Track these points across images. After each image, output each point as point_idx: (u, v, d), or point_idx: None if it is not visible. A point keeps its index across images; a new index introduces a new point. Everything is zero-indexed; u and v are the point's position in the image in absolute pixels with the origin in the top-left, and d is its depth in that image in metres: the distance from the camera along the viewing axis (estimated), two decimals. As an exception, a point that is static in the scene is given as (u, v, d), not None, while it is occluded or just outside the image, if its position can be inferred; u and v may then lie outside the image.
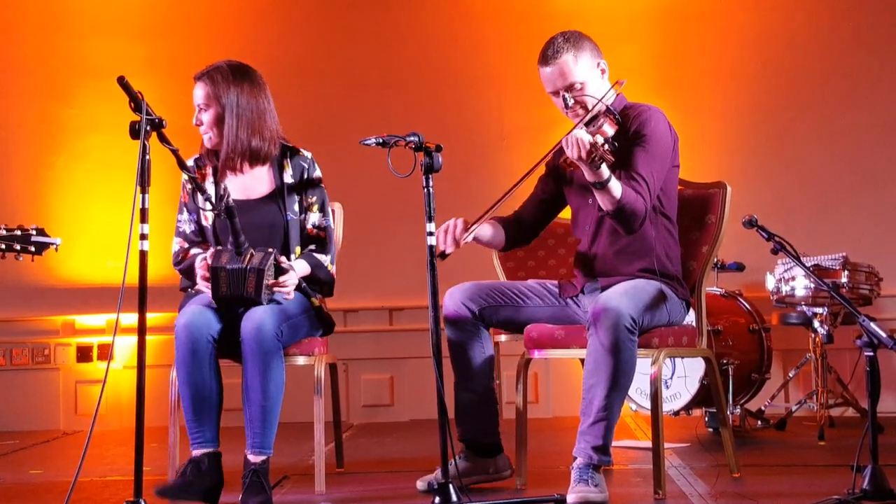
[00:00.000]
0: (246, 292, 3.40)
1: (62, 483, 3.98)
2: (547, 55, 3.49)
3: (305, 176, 3.69)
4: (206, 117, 3.59)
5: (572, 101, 3.43)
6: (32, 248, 3.50)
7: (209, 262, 3.44)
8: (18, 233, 3.50)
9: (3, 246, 3.49)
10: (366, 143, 3.28)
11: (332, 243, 3.72)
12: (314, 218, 3.69)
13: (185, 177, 3.61)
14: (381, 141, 3.25)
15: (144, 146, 2.95)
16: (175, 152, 3.13)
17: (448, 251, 3.42)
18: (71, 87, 6.17)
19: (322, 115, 5.99)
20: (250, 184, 3.67)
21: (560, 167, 3.56)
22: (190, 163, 3.68)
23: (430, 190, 3.19)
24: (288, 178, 3.68)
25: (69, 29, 6.19)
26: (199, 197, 3.64)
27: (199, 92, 3.60)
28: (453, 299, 3.58)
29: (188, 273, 3.60)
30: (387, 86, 6.11)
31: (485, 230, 3.59)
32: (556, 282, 3.73)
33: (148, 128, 2.97)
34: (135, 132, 2.97)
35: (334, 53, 6.12)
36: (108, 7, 6.20)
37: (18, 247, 3.50)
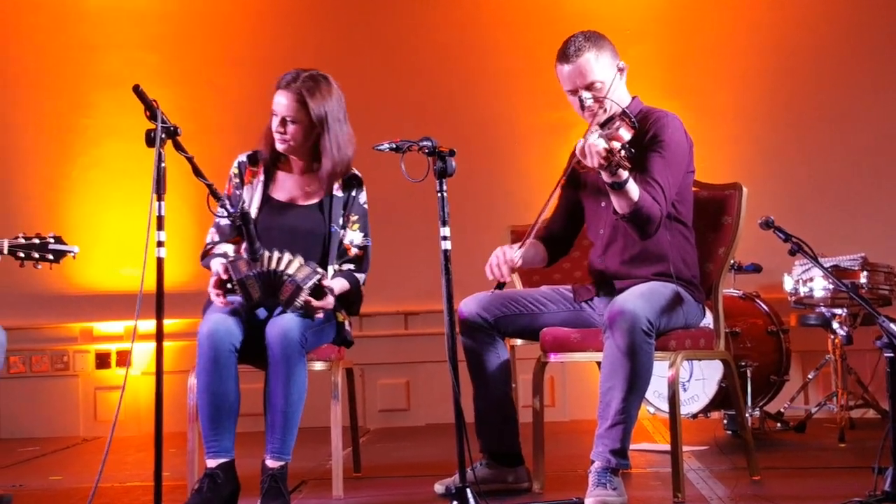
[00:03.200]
0: (279, 298, 3.42)
1: (83, 489, 3.99)
2: (567, 53, 3.47)
3: (353, 193, 3.71)
4: (293, 129, 3.59)
5: (591, 100, 3.42)
6: (50, 256, 3.53)
7: (230, 275, 3.43)
8: (37, 241, 3.53)
9: (22, 254, 3.52)
10: (379, 148, 3.28)
11: (368, 264, 3.74)
12: (354, 236, 3.71)
13: (233, 169, 3.68)
14: (394, 146, 3.25)
15: (160, 154, 2.97)
16: (190, 160, 3.14)
17: (506, 280, 3.44)
18: (87, 96, 6.20)
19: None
20: (301, 188, 3.69)
21: (575, 170, 3.56)
22: (241, 158, 3.73)
23: (444, 194, 3.20)
24: (338, 191, 3.70)
25: (85, 39, 6.22)
26: (241, 193, 3.67)
27: (286, 101, 3.58)
28: (468, 309, 3.58)
29: (209, 269, 3.62)
30: (399, 91, 6.12)
31: (528, 252, 3.58)
32: (569, 287, 3.72)
33: (163, 136, 2.99)
34: (150, 140, 2.98)
35: (347, 59, 6.13)
36: (123, 17, 6.23)
37: (37, 255, 3.52)
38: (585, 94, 3.42)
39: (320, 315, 3.49)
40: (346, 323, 3.72)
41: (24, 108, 6.23)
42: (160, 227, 2.95)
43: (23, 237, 3.53)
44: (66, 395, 6.09)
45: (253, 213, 3.63)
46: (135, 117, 3.09)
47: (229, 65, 6.15)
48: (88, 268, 6.02)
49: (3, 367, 3.64)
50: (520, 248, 3.48)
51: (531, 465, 3.62)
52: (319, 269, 3.49)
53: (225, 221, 3.68)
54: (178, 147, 3.08)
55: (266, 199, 3.69)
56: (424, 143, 3.20)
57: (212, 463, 3.38)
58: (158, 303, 2.93)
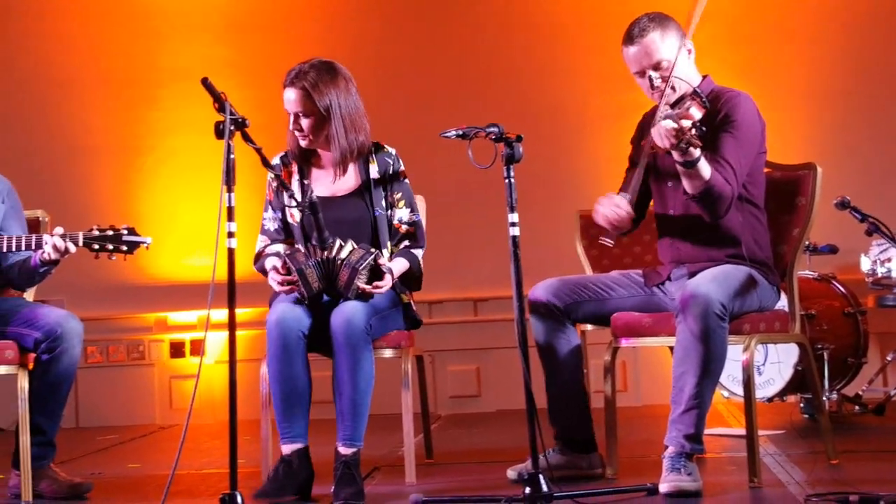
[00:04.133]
0: (337, 285, 3.44)
1: (160, 476, 4.06)
2: (632, 34, 3.44)
3: (390, 171, 3.71)
4: (307, 123, 3.60)
5: (659, 80, 3.38)
6: (124, 248, 3.58)
7: (287, 268, 3.46)
8: (110, 233, 3.58)
9: (97, 246, 3.57)
10: (446, 135, 3.27)
11: (423, 238, 3.73)
12: (402, 214, 3.71)
13: (270, 175, 3.65)
14: (461, 133, 3.24)
15: (229, 146, 2.99)
16: (259, 151, 3.17)
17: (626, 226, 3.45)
18: (156, 89, 6.28)
19: (402, 108, 6.00)
20: (336, 180, 3.70)
21: (643, 151, 3.51)
22: (276, 161, 3.73)
23: (512, 180, 3.18)
24: (374, 173, 3.70)
25: (153, 32, 6.30)
26: (284, 194, 3.68)
27: (294, 97, 3.59)
28: (538, 295, 3.55)
29: (264, 273, 3.64)
30: (466, 77, 6.11)
31: (627, 211, 3.52)
32: (640, 271, 3.68)
33: (232, 127, 3.01)
34: (219, 132, 3.01)
35: (412, 48, 6.13)
36: (191, 9, 6.30)
37: (111, 246, 3.58)
38: (653, 74, 3.38)
39: (380, 292, 3.48)
40: (412, 303, 3.72)
41: (96, 104, 6.33)
42: (230, 217, 2.98)
43: (97, 229, 3.59)
44: (142, 384, 6.20)
45: (296, 213, 3.65)
46: (204, 109, 3.12)
47: (295, 55, 6.12)
48: (161, 259, 6.11)
49: (81, 357, 3.71)
50: (623, 194, 3.43)
51: (604, 450, 3.60)
52: (372, 249, 3.49)
53: (273, 225, 3.70)
54: (247, 138, 3.10)
55: (311, 192, 3.69)
56: (491, 129, 3.18)
57: (286, 449, 3.41)
58: (230, 292, 2.96)
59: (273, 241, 3.71)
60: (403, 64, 6.11)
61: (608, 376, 3.57)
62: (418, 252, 3.70)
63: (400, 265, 3.62)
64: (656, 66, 3.42)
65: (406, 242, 3.70)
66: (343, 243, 3.47)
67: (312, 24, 6.23)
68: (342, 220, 3.61)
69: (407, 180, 3.75)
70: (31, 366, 3.62)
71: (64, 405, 3.70)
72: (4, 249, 3.57)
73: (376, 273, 3.48)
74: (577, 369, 3.59)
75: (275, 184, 3.70)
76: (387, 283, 3.50)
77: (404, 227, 3.71)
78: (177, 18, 6.29)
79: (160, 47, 6.28)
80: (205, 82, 3.02)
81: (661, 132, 3.15)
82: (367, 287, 3.45)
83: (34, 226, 3.95)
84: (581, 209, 4.71)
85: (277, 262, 3.51)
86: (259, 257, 3.71)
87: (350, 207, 3.67)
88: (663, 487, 3.15)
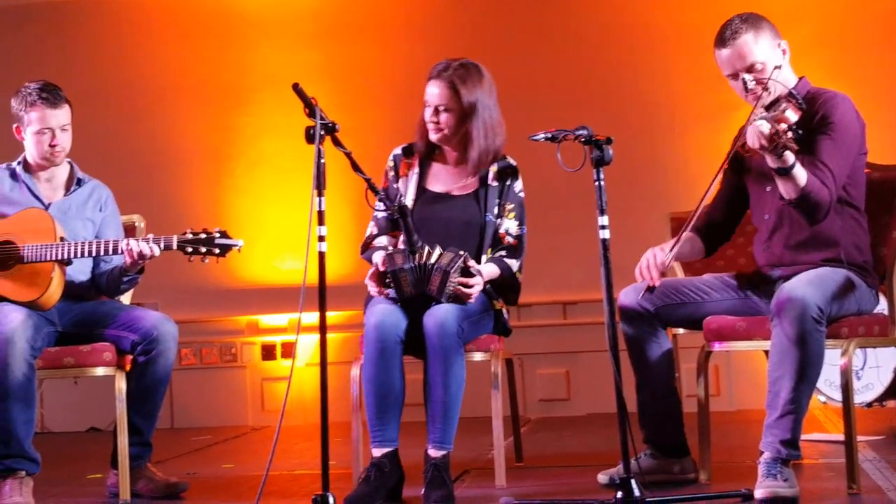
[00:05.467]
0: (428, 290, 3.45)
1: (253, 477, 4.12)
2: (725, 37, 3.39)
3: (508, 182, 3.72)
4: (446, 118, 3.63)
5: (753, 82, 3.31)
6: (217, 250, 3.64)
7: (385, 267, 3.48)
8: (203, 236, 3.65)
9: (190, 249, 3.64)
10: (535, 138, 3.26)
11: (523, 252, 3.73)
12: (510, 225, 3.71)
13: (389, 163, 3.74)
14: (549, 136, 3.22)
15: (319, 150, 3.02)
16: (349, 155, 3.19)
17: (657, 284, 3.38)
18: (247, 94, 6.38)
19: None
20: (456, 178, 3.72)
21: (739, 154, 3.45)
22: (396, 151, 3.79)
23: (602, 183, 3.15)
24: (492, 180, 3.71)
25: (244, 38, 6.40)
26: (397, 186, 3.72)
27: (438, 91, 3.62)
28: (629, 299, 3.51)
29: (369, 262, 3.67)
30: (555, 79, 6.08)
31: (683, 248, 3.49)
32: (733, 274, 3.62)
33: (322, 132, 3.04)
34: (310, 137, 3.04)
35: (501, 50, 6.11)
36: (281, 15, 6.39)
37: (204, 249, 3.64)
38: (747, 77, 3.32)
39: (472, 296, 3.48)
40: (504, 311, 3.71)
41: (188, 110, 6.45)
42: (321, 221, 3.01)
43: (190, 232, 3.65)
44: (235, 386, 6.30)
45: (409, 204, 3.67)
46: (294, 114, 3.16)
47: (385, 59, 6.22)
48: (252, 262, 6.20)
49: (176, 359, 3.78)
50: (672, 248, 3.39)
51: (696, 455, 3.54)
52: (461, 252, 3.49)
53: (383, 215, 3.73)
54: (337, 143, 3.13)
55: (421, 190, 3.73)
56: (580, 131, 3.16)
57: (377, 452, 3.43)
58: (321, 295, 2.99)
59: (381, 231, 3.74)
60: (492, 67, 6.07)
61: (700, 380, 3.51)
62: (513, 263, 3.68)
63: (490, 270, 3.62)
64: (749, 69, 3.36)
65: (503, 252, 3.69)
66: (432, 249, 3.48)
67: (402, 29, 6.26)
68: (453, 220, 3.64)
69: (522, 194, 3.74)
70: (128, 367, 3.71)
71: (160, 406, 3.78)
72: (85, 254, 3.65)
73: (466, 275, 3.49)
74: (668, 373, 3.54)
75: (391, 174, 3.74)
76: (477, 282, 3.50)
77: (508, 239, 3.70)
78: (268, 25, 6.38)
79: (251, 54, 6.38)
80: (295, 88, 3.06)
81: (755, 133, 3.09)
82: (461, 288, 3.45)
83: (130, 231, 4.04)
84: (672, 211, 4.65)
85: (380, 259, 3.54)
86: (367, 246, 3.74)
87: (463, 208, 3.69)
88: (758, 493, 3.09)
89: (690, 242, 3.57)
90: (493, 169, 3.72)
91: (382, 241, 3.72)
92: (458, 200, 3.71)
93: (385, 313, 3.46)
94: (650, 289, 3.38)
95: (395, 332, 3.44)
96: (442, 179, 3.74)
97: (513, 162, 3.76)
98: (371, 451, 3.45)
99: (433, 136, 3.67)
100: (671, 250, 3.39)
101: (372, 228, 3.77)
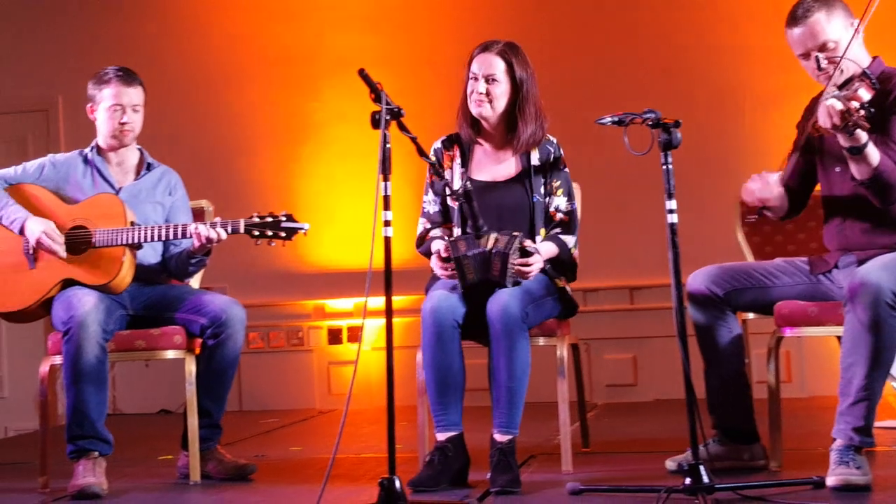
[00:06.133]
0: (491, 275, 3.44)
1: (320, 459, 4.15)
2: (797, 15, 3.33)
3: (551, 159, 3.70)
4: (495, 88, 3.61)
5: (825, 61, 3.25)
6: (283, 234, 3.67)
7: (449, 253, 3.48)
8: (270, 219, 3.68)
9: (257, 232, 3.67)
10: (602, 122, 3.24)
11: (576, 227, 3.70)
12: (559, 202, 3.69)
13: (430, 157, 3.68)
14: (616, 119, 3.20)
15: (385, 135, 3.03)
16: (414, 140, 3.19)
17: (772, 201, 3.41)
18: (314, 80, 6.42)
19: (558, 94, 5.91)
20: (498, 164, 3.70)
21: (811, 135, 3.39)
22: (437, 144, 3.77)
23: (669, 167, 3.11)
24: (535, 160, 3.69)
25: (311, 23, 6.44)
26: (440, 183, 3.70)
27: (491, 61, 3.61)
28: (697, 282, 3.47)
29: (427, 256, 3.67)
30: (623, 62, 6.02)
31: (774, 192, 3.44)
32: (805, 258, 3.56)
33: (388, 117, 3.04)
34: (375, 122, 3.05)
35: (567, 32, 6.08)
36: (349, 1, 6.40)
37: (270, 233, 3.67)
38: (819, 56, 3.25)
39: (531, 273, 3.47)
40: (568, 288, 3.69)
41: (256, 97, 6.51)
42: (387, 206, 3.01)
43: (257, 216, 3.69)
44: (302, 370, 6.36)
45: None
46: (360, 100, 3.17)
47: (451, 44, 6.19)
48: (319, 247, 6.25)
49: (244, 343, 3.82)
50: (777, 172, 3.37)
51: (767, 442, 3.49)
52: (515, 233, 3.47)
53: (434, 209, 3.72)
54: (402, 128, 3.13)
55: (467, 181, 3.70)
56: (648, 115, 3.13)
57: (441, 436, 3.44)
58: (387, 280, 3.00)
59: (433, 225, 3.74)
60: (558, 51, 6.06)
61: (771, 366, 3.46)
62: (569, 239, 3.67)
63: (547, 248, 3.60)
64: (822, 48, 3.30)
65: (557, 230, 3.67)
66: (498, 236, 3.46)
67: (468, 14, 6.24)
68: (502, 206, 3.62)
69: (567, 169, 3.73)
70: (197, 351, 3.76)
71: (229, 389, 3.82)
72: (154, 238, 3.70)
73: (524, 255, 3.48)
74: (738, 358, 3.49)
75: (430, 171, 3.72)
76: (536, 260, 3.48)
77: (559, 216, 3.68)
78: (334, 10, 6.41)
79: (318, 39, 6.41)
80: (361, 73, 3.06)
81: (827, 112, 3.03)
82: (521, 268, 3.44)
83: (199, 216, 4.09)
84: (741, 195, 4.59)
85: (441, 246, 3.54)
86: (422, 241, 3.74)
87: (510, 193, 3.67)
88: (830, 481, 3.04)
89: (781, 193, 3.49)
90: (535, 149, 3.69)
91: (437, 233, 3.71)
92: (505, 186, 3.68)
93: (440, 298, 3.46)
94: (759, 211, 3.40)
95: (452, 317, 3.43)
96: (485, 167, 3.71)
97: (552, 138, 3.74)
98: (435, 435, 3.46)
99: (475, 110, 3.63)
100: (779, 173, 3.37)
101: (424, 223, 3.76)
